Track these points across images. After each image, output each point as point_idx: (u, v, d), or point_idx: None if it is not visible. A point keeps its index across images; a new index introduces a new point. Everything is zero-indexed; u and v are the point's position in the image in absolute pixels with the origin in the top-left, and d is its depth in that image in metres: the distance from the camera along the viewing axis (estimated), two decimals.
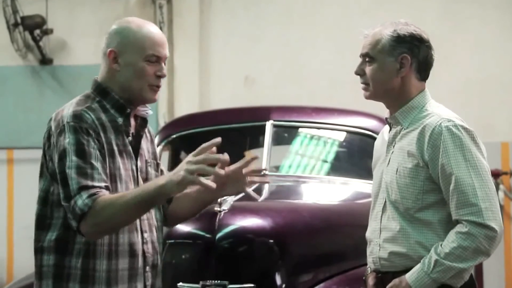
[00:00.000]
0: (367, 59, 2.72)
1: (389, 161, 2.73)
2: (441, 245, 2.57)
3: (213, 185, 2.43)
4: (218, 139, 2.39)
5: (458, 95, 7.12)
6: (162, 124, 7.26)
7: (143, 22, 2.64)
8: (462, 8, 7.47)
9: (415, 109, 2.71)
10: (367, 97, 2.76)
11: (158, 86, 2.62)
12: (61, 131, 2.48)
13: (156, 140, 4.83)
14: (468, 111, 6.73)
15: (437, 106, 2.73)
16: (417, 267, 2.59)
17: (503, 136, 7.32)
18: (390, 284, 2.64)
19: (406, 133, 2.69)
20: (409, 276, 2.59)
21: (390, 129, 2.78)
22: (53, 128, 2.53)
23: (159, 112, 7.62)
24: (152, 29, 2.62)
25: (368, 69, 2.72)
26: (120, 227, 2.50)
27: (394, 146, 2.73)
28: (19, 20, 7.63)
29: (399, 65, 2.69)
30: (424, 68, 2.73)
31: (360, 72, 2.75)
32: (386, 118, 2.80)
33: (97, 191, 2.42)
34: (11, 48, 7.76)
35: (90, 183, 2.42)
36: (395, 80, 2.70)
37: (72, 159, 2.44)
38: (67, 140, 2.46)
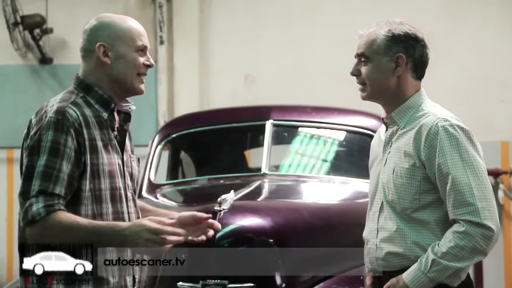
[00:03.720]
0: (362, 59, 2.73)
1: (385, 161, 2.73)
2: (438, 245, 2.57)
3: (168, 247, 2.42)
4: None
5: (458, 94, 7.11)
6: (162, 123, 7.26)
7: (122, 16, 2.71)
8: (462, 6, 7.46)
9: (412, 108, 2.71)
10: (364, 98, 2.77)
11: (145, 75, 2.67)
12: (42, 126, 2.49)
13: (155, 140, 4.87)
14: (468, 110, 6.73)
15: (433, 106, 2.73)
16: (414, 266, 2.59)
17: (503, 135, 7.29)
18: (387, 284, 2.65)
19: (403, 133, 2.69)
20: (406, 276, 2.59)
21: (387, 129, 2.79)
22: (33, 121, 2.55)
23: (159, 112, 7.62)
24: (133, 22, 2.69)
25: (364, 69, 2.72)
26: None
27: (390, 146, 2.73)
28: (19, 19, 7.61)
29: (395, 65, 2.69)
30: (419, 67, 2.73)
31: (356, 73, 2.75)
32: (382, 118, 2.81)
33: (54, 203, 2.42)
34: (11, 48, 7.73)
35: (50, 188, 2.42)
36: (391, 80, 2.70)
37: (43, 158, 2.44)
38: (45, 136, 2.47)
